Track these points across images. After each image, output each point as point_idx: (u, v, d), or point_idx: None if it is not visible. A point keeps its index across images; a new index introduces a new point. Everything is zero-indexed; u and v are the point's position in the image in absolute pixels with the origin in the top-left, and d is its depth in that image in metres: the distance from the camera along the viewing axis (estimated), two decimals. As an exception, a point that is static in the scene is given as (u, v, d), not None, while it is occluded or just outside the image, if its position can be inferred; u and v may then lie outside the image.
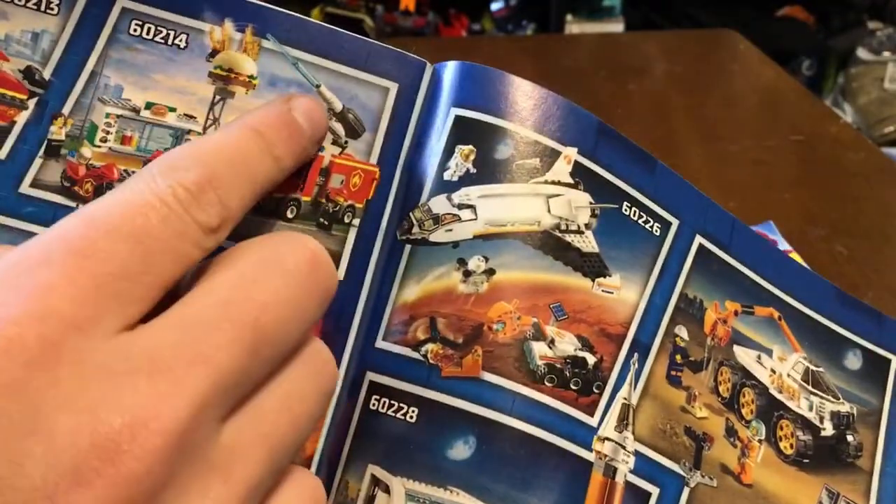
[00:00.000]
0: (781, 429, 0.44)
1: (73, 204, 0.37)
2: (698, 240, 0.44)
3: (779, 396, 0.44)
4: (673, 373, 0.42)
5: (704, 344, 0.43)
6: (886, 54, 2.13)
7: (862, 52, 2.15)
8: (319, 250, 0.28)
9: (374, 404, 0.37)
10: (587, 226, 0.40)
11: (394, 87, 0.41)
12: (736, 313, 0.44)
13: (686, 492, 0.41)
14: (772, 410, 0.44)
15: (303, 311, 0.27)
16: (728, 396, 0.43)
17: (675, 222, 0.43)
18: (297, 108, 0.33)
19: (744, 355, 0.44)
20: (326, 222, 0.39)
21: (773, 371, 0.44)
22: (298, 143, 0.33)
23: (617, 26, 2.54)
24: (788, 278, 0.46)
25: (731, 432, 0.43)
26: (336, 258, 0.39)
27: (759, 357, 0.44)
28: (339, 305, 0.39)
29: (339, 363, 0.39)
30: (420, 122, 0.41)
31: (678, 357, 0.42)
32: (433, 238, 0.39)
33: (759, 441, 0.43)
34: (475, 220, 0.39)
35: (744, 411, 0.43)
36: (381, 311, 0.39)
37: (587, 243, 0.40)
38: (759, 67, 1.17)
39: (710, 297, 0.43)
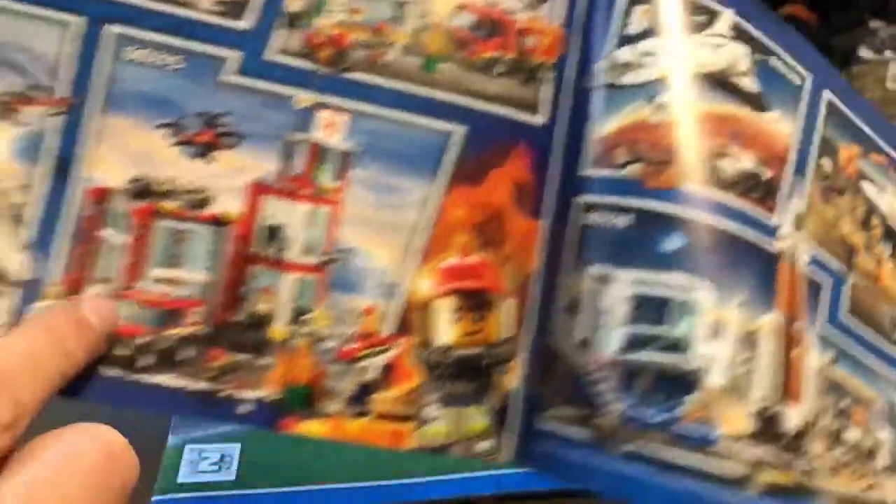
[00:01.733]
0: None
1: (314, 68, 0.43)
2: (827, 94, 0.52)
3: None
4: (823, 195, 0.49)
5: (841, 175, 0.51)
6: (889, 54, 2.24)
7: (864, 52, 2.26)
8: (115, 441, 0.29)
9: (590, 220, 0.44)
10: (747, 71, 0.47)
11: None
12: (859, 155, 0.52)
13: (846, 287, 0.48)
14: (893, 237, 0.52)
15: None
16: (861, 220, 0.51)
17: (808, 76, 0.51)
18: (86, 306, 0.36)
19: (869, 189, 0.52)
20: (527, 77, 0.46)
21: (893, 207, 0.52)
22: (88, 337, 0.35)
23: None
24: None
25: (868, 248, 0.51)
26: (535, 106, 0.46)
27: (878, 192, 0.52)
28: (541, 147, 0.46)
29: (542, 196, 0.46)
30: None
31: (825, 183, 0.49)
32: (622, 82, 0.46)
33: (889, 257, 0.51)
34: (657, 65, 0.46)
35: (873, 233, 0.51)
36: (580, 146, 0.45)
37: (750, 85, 0.47)
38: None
39: (841, 139, 0.51)
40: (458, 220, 0.43)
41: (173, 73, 0.41)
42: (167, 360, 0.40)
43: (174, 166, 0.41)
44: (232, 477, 0.58)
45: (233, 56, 0.41)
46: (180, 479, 0.57)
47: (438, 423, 0.42)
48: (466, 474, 0.58)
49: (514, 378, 0.44)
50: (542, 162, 0.45)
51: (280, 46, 0.42)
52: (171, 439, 0.61)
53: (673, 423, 0.40)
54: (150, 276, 0.41)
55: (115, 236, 0.41)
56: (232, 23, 0.41)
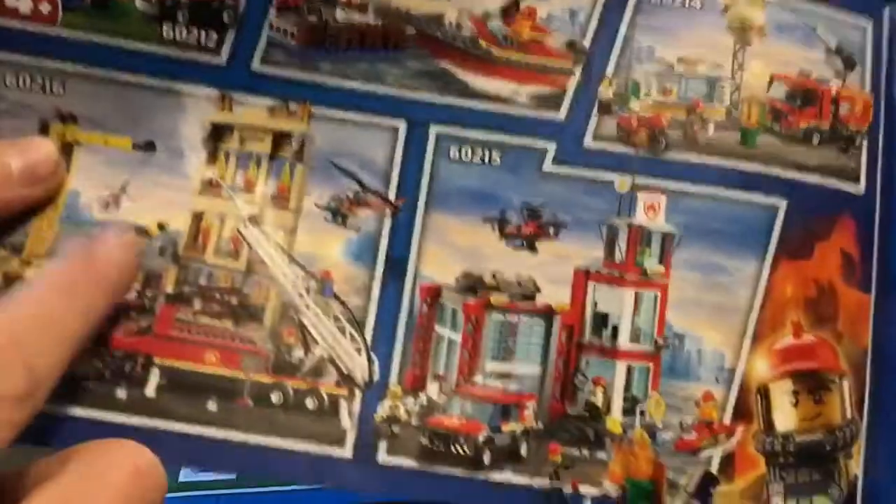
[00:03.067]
0: None
1: (631, 151, 0.42)
2: None
3: None
4: None
5: None
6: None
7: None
8: (145, 462, 0.28)
9: None
10: None
11: (869, 25, 0.46)
12: None
13: None
14: None
15: None
16: None
17: None
18: (100, 255, 0.32)
19: None
20: (845, 146, 0.44)
21: None
22: (106, 290, 0.31)
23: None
24: None
25: None
26: (855, 175, 0.43)
27: None
28: (863, 216, 0.43)
29: (870, 267, 0.43)
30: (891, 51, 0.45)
31: None
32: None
33: None
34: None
35: None
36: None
37: None
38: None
39: None
40: (788, 296, 0.41)
41: (494, 167, 0.41)
42: (509, 456, 0.39)
43: (501, 259, 0.40)
44: (232, 475, 0.57)
45: (551, 146, 0.41)
46: (182, 478, 0.57)
47: (786, 515, 0.40)
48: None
49: (858, 463, 0.41)
50: (866, 232, 0.43)
51: (596, 133, 0.41)
52: (174, 438, 0.60)
53: None
54: (484, 370, 0.41)
55: (448, 332, 0.41)
56: (550, 114, 0.41)
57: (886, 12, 0.45)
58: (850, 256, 0.42)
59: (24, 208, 0.35)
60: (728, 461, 0.40)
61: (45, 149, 0.35)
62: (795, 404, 0.40)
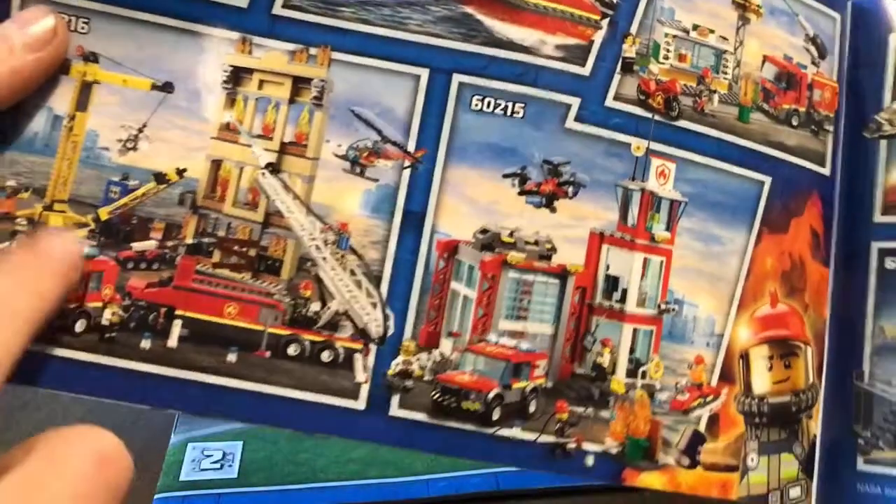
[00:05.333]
0: None
1: (648, 115, 0.41)
2: None
3: None
4: None
5: None
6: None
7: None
8: (109, 447, 0.27)
9: (890, 265, 0.44)
10: None
11: (839, 18, 0.48)
12: None
13: None
14: None
15: None
16: None
17: None
18: (44, 240, 0.32)
19: None
20: (816, 130, 0.46)
21: None
22: (55, 271, 0.32)
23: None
24: None
25: None
26: (823, 158, 0.46)
27: None
28: (827, 197, 0.45)
29: (830, 244, 0.46)
30: (857, 45, 0.48)
31: None
32: (906, 132, 0.46)
33: None
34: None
35: None
36: (868, 194, 0.45)
37: None
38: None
39: None
40: (768, 268, 0.43)
41: (517, 120, 0.39)
42: (518, 413, 0.38)
43: (520, 217, 0.39)
44: (234, 475, 0.56)
45: (575, 102, 0.39)
46: (183, 477, 0.55)
47: (759, 471, 0.42)
48: (466, 472, 0.56)
49: (817, 424, 0.44)
50: (828, 211, 0.45)
51: (618, 92, 0.40)
52: (174, 437, 0.58)
53: None
54: (497, 328, 0.39)
55: (464, 289, 0.39)
56: (575, 68, 0.39)
57: (849, 7, 0.47)
58: (817, 233, 0.44)
59: (38, 73, 0.34)
60: (713, 421, 0.41)
61: (40, 14, 0.34)
62: (770, 368, 0.42)
